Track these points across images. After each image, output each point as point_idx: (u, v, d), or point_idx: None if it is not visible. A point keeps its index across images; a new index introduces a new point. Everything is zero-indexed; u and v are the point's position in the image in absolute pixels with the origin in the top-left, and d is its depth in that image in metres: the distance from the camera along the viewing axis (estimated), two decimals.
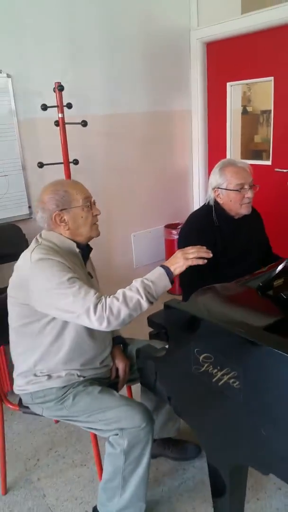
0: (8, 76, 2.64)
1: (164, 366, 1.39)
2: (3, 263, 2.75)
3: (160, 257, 3.70)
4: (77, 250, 1.53)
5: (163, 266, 1.39)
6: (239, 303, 1.35)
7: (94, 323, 1.31)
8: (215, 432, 1.25)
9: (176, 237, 3.52)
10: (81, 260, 1.56)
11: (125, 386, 1.79)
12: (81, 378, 1.54)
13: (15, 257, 2.73)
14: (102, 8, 2.96)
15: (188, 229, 2.04)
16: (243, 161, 2.06)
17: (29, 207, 2.89)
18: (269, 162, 3.28)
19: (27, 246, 2.70)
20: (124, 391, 1.80)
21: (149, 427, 1.44)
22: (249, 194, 1.95)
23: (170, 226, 3.62)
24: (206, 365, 1.16)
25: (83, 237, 1.56)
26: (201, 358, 1.17)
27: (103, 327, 1.32)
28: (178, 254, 1.40)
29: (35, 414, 1.61)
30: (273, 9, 2.90)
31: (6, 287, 1.57)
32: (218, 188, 1.99)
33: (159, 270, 1.38)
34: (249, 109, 4.96)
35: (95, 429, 1.51)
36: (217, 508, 1.43)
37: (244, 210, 1.99)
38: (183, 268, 1.37)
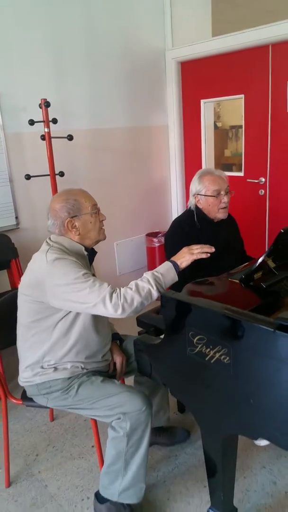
0: None
1: (160, 352, 1.54)
2: None
3: (142, 265, 3.87)
4: (85, 253, 1.67)
5: (171, 261, 1.57)
6: (225, 292, 1.53)
7: (110, 310, 1.45)
8: (210, 406, 1.41)
9: (157, 245, 3.70)
10: (87, 262, 1.71)
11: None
12: (85, 370, 1.67)
13: (5, 265, 2.87)
14: (85, 29, 3.15)
15: (173, 233, 2.22)
16: (220, 170, 2.27)
17: (16, 217, 3.00)
18: (241, 174, 3.52)
19: (15, 254, 2.85)
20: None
21: (148, 410, 1.58)
22: (225, 199, 2.15)
23: (151, 235, 3.79)
24: (199, 345, 1.32)
25: (92, 241, 1.71)
26: (195, 340, 1.33)
27: (118, 313, 1.46)
28: (185, 249, 1.59)
29: (39, 406, 1.72)
30: (240, 34, 3.16)
31: (2, 293, 1.69)
32: (198, 194, 2.19)
33: (167, 264, 1.56)
34: (218, 124, 5.21)
35: (98, 415, 1.63)
36: (212, 487, 1.56)
37: (221, 215, 2.19)
38: (189, 262, 1.56)
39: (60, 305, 1.54)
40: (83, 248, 1.66)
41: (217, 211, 2.18)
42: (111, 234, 3.59)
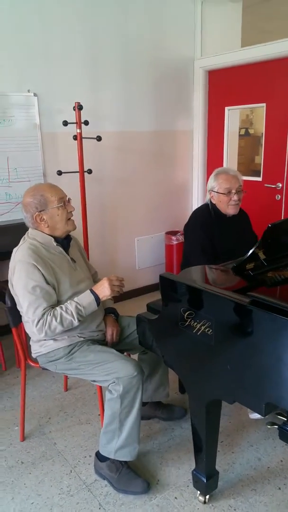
0: (35, 95, 3.08)
1: (157, 326, 1.76)
2: None
3: (160, 261, 4.09)
4: (55, 244, 1.91)
5: (93, 293, 1.82)
6: (216, 276, 1.74)
7: (35, 331, 1.78)
8: (196, 373, 1.61)
9: (175, 243, 3.92)
10: (61, 251, 1.94)
11: (126, 353, 2.16)
12: (82, 339, 1.92)
13: None
14: (119, 38, 3.42)
15: (193, 221, 2.45)
16: (235, 170, 2.46)
17: None
18: (259, 179, 3.69)
19: None
20: None
21: (140, 376, 1.79)
22: (235, 197, 2.36)
23: (170, 233, 4.01)
24: (189, 320, 1.53)
25: (61, 231, 1.93)
26: (185, 315, 1.55)
27: (41, 336, 1.80)
28: (105, 284, 1.82)
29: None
30: (268, 45, 3.33)
31: None
32: (212, 190, 2.40)
33: (90, 297, 1.82)
34: (250, 131, 5.34)
35: (98, 380, 1.86)
36: (196, 451, 1.76)
37: (231, 211, 2.39)
38: (107, 294, 1.82)
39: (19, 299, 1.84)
40: (53, 240, 1.90)
41: (227, 207, 2.39)
42: (133, 230, 3.90)
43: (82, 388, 2.60)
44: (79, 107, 2.97)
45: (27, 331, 1.93)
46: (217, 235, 2.37)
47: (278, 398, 1.32)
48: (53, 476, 1.95)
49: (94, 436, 2.19)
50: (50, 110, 3.17)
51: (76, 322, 1.79)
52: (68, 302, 1.82)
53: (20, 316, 1.96)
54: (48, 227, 1.89)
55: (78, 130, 3.03)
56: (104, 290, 1.83)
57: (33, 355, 2.00)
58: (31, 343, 1.98)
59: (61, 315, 1.78)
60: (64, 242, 1.97)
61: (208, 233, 2.37)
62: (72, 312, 1.78)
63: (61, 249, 1.94)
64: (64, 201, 1.91)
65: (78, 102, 2.96)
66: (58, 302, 1.86)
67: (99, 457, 1.93)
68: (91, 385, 2.59)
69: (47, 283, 1.81)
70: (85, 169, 3.16)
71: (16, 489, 1.89)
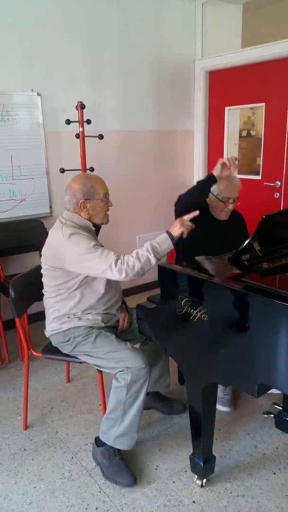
0: (38, 94, 3.15)
1: (156, 314, 1.82)
2: (28, 252, 3.23)
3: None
4: (93, 228, 1.99)
5: (166, 232, 1.85)
6: (213, 266, 1.80)
7: (116, 275, 1.76)
8: (192, 357, 1.67)
9: None
10: (95, 235, 2.02)
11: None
12: (103, 324, 1.99)
13: (38, 247, 3.23)
14: (120, 39, 3.49)
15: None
16: (237, 178, 2.47)
17: (50, 206, 3.36)
18: (259, 177, 3.75)
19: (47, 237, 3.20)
20: None
21: (147, 368, 1.85)
22: (230, 206, 2.39)
23: None
24: (186, 307, 1.59)
25: (97, 222, 2.01)
26: (183, 302, 1.61)
27: (122, 277, 1.75)
28: (177, 221, 1.87)
29: (57, 359, 2.05)
30: (267, 46, 3.40)
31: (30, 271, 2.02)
32: (211, 193, 2.44)
33: (163, 235, 1.84)
34: (252, 133, 5.41)
35: (107, 366, 1.91)
36: (194, 436, 1.82)
37: (223, 217, 2.42)
38: (180, 231, 1.83)
39: (78, 270, 1.86)
40: (91, 224, 1.97)
41: (220, 213, 2.42)
42: (134, 228, 3.95)
43: (84, 379, 2.66)
44: (81, 106, 3.04)
45: (55, 307, 1.97)
46: (207, 235, 2.40)
47: (270, 379, 1.38)
48: (55, 462, 2.01)
49: (95, 425, 2.24)
50: (53, 109, 3.25)
51: (153, 258, 1.77)
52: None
53: (24, 307, 2.02)
54: (88, 215, 1.96)
55: (81, 129, 3.10)
56: (175, 226, 1.85)
57: (48, 333, 2.05)
58: (48, 322, 2.03)
59: (137, 252, 1.79)
60: (98, 228, 2.05)
61: (197, 234, 2.37)
62: (147, 249, 1.78)
63: (94, 233, 2.01)
64: (107, 196, 2.00)
65: (80, 101, 3.03)
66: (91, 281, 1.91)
67: (97, 442, 1.98)
68: (93, 377, 2.65)
69: None
70: (87, 167, 3.22)
71: (19, 474, 1.95)
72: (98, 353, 1.92)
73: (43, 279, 2.03)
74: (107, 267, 1.77)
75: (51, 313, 2.02)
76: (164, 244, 1.82)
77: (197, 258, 1.87)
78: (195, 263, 1.81)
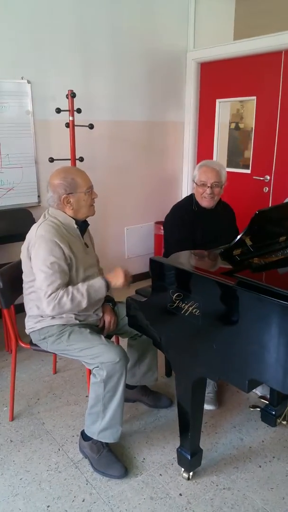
0: (28, 82, 3.09)
1: (146, 308, 1.81)
2: (15, 242, 3.17)
3: (149, 250, 4.14)
4: (76, 226, 1.96)
5: (105, 280, 1.88)
6: (204, 260, 1.80)
7: (44, 304, 1.80)
8: (183, 352, 1.67)
9: None
10: (78, 234, 1.99)
11: (115, 337, 2.21)
12: (77, 321, 1.96)
13: (25, 236, 3.18)
14: (111, 28, 3.44)
15: (171, 218, 2.48)
16: (220, 165, 2.48)
17: (38, 196, 3.31)
18: (248, 171, 3.75)
19: None
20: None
21: (123, 361, 1.83)
22: (207, 191, 2.36)
23: (160, 223, 4.04)
24: (177, 301, 1.59)
25: (83, 215, 1.99)
26: (174, 296, 1.60)
27: (49, 309, 1.80)
28: (121, 273, 1.91)
29: (42, 350, 2.02)
30: (260, 39, 3.38)
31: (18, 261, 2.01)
32: (193, 180, 2.45)
33: (102, 282, 1.88)
34: (241, 125, 5.41)
35: (85, 362, 1.90)
36: (181, 429, 1.83)
37: (204, 203, 2.40)
38: (119, 283, 1.91)
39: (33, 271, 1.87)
40: (74, 222, 1.95)
41: (201, 199, 2.42)
42: (122, 220, 3.93)
43: (71, 371, 2.64)
44: (72, 95, 2.98)
45: (29, 305, 1.97)
46: (196, 227, 2.40)
47: (261, 374, 1.38)
48: (41, 454, 2.00)
49: (81, 416, 2.24)
50: (43, 97, 3.18)
51: (84, 304, 1.83)
52: (80, 284, 1.86)
53: (12, 298, 1.99)
54: (72, 210, 1.94)
55: (71, 118, 3.05)
56: (118, 279, 1.90)
57: (27, 331, 2.04)
58: (26, 319, 2.03)
59: (72, 293, 1.81)
60: (83, 226, 2.03)
61: (186, 227, 2.38)
62: (83, 293, 1.82)
63: (78, 232, 1.99)
64: (91, 188, 1.97)
65: (71, 90, 2.98)
66: (70, 283, 1.89)
67: (84, 436, 1.98)
68: (79, 368, 2.64)
69: (65, 262, 1.85)
70: (77, 156, 3.18)
71: (5, 465, 1.94)
72: (73, 351, 1.91)
73: (23, 274, 2.01)
74: (43, 292, 1.81)
75: (28, 311, 2.01)
76: (100, 292, 1.89)
77: (188, 252, 1.86)
78: (186, 257, 1.80)
